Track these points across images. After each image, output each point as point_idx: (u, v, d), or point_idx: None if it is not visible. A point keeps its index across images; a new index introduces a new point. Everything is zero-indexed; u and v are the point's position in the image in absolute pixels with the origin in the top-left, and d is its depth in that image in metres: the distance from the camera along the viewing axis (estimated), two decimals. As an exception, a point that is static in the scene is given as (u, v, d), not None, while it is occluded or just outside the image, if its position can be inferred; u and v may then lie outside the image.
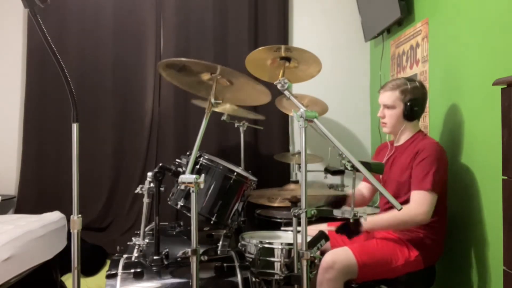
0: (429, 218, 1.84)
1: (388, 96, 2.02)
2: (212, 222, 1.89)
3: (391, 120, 2.04)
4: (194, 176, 1.48)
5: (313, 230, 1.63)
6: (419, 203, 1.84)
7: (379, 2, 2.96)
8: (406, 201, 1.90)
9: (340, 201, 2.01)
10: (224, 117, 2.96)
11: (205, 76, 1.89)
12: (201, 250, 1.60)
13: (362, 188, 2.26)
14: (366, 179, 2.22)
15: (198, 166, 1.93)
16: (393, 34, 3.05)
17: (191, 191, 1.50)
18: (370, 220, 1.90)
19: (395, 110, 2.01)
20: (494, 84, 1.28)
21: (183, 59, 1.88)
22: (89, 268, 2.83)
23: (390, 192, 1.96)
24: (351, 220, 1.65)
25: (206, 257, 1.71)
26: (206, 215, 1.89)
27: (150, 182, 1.83)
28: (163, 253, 1.76)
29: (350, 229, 1.82)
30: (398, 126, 2.04)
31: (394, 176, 2.01)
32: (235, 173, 1.93)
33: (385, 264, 1.85)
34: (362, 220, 1.85)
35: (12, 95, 3.50)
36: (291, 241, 1.89)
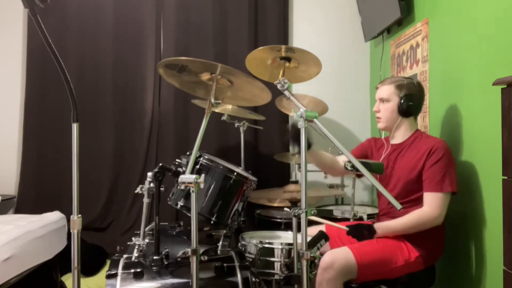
0: (443, 219, 1.86)
1: (385, 90, 2.06)
2: (212, 222, 1.89)
3: (385, 114, 2.05)
4: (194, 176, 1.48)
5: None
6: (435, 205, 1.85)
7: (379, 2, 2.96)
8: (415, 200, 1.92)
9: None
10: (224, 117, 2.96)
11: (205, 76, 1.88)
12: (201, 250, 1.60)
13: (341, 160, 2.19)
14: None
15: (198, 166, 1.93)
16: (393, 34, 3.05)
17: (191, 191, 1.50)
18: (384, 226, 1.92)
19: (390, 104, 2.03)
20: (494, 84, 1.28)
21: (183, 58, 1.88)
22: (89, 268, 2.83)
23: (395, 191, 1.97)
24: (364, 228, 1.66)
25: (206, 257, 1.71)
26: (206, 215, 1.89)
27: (150, 182, 1.83)
28: (163, 253, 1.76)
29: (363, 234, 1.85)
30: (392, 121, 2.05)
31: (400, 175, 1.99)
32: (235, 173, 1.94)
33: (385, 265, 1.85)
34: (375, 226, 1.89)
35: (12, 95, 3.49)
36: (291, 241, 1.89)
